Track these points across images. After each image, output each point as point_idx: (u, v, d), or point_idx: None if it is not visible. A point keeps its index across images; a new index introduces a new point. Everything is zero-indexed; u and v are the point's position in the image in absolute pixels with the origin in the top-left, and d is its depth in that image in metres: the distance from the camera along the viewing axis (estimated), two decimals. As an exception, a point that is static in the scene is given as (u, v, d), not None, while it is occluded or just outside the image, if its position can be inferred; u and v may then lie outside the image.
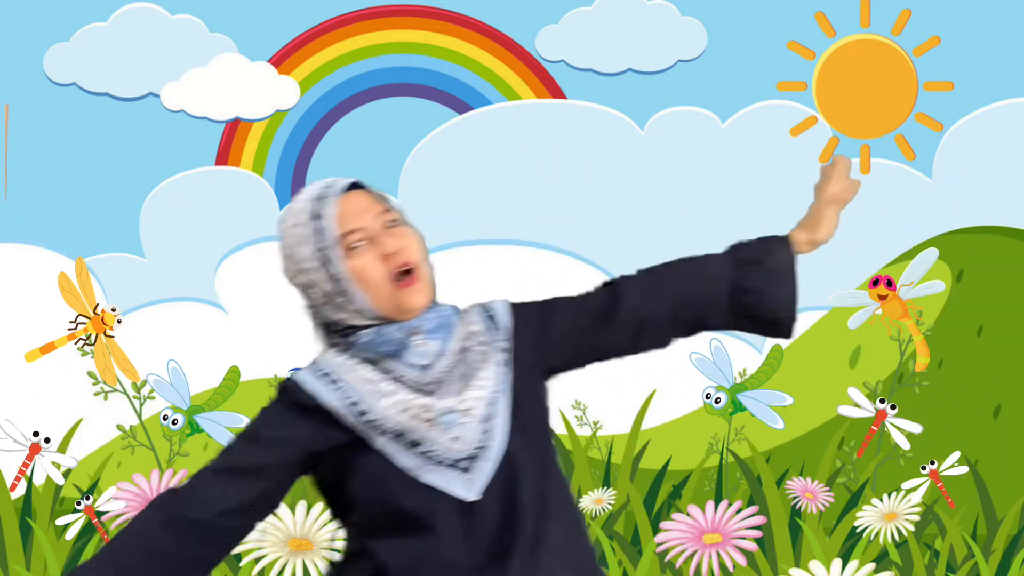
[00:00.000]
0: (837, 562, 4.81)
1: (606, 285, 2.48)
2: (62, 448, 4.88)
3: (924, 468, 4.89)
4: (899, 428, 4.89)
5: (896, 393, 4.90)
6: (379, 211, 2.34)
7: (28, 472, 4.87)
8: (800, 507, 4.86)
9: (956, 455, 4.88)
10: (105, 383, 4.89)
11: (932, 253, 4.88)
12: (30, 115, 4.88)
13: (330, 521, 4.68)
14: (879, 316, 4.89)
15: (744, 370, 4.90)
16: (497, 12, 4.91)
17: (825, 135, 4.88)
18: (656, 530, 4.85)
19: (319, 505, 4.72)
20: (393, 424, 2.28)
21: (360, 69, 4.93)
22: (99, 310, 4.89)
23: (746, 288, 2.45)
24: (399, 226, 2.36)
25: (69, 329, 4.89)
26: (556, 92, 4.91)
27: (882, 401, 4.89)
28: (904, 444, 4.89)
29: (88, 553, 4.76)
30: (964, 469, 4.87)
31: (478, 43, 4.91)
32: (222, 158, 4.91)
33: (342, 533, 2.43)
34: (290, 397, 2.33)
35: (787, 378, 4.90)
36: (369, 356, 2.32)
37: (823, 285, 4.88)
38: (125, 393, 4.89)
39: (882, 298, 4.88)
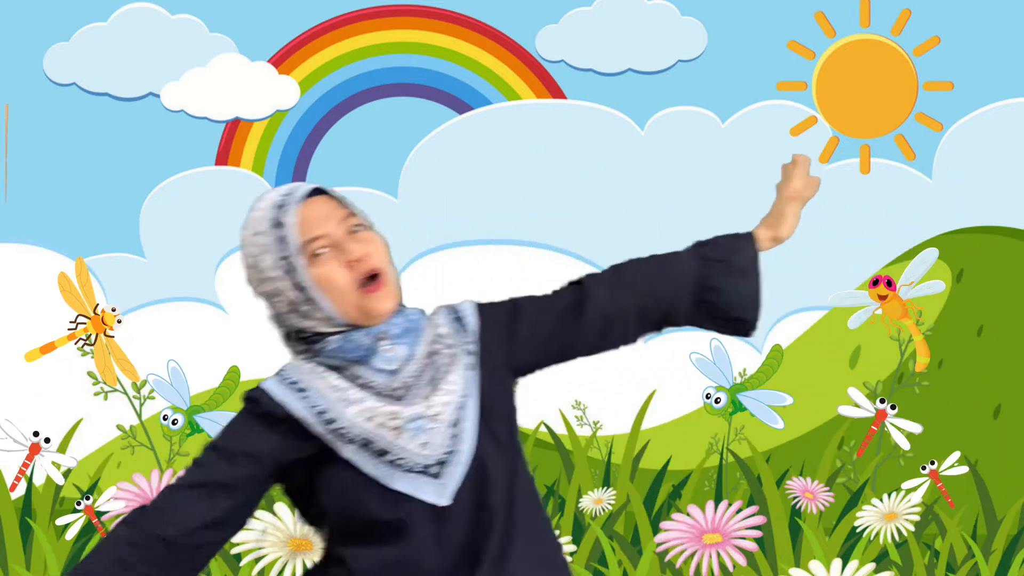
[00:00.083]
0: (837, 562, 4.81)
1: (573, 284, 2.47)
2: (62, 448, 4.88)
3: (924, 468, 4.89)
4: (899, 428, 4.89)
5: (896, 393, 4.90)
6: (342, 217, 2.33)
7: (28, 472, 4.87)
8: (800, 507, 4.86)
9: (956, 455, 4.88)
10: (105, 383, 4.89)
11: (932, 253, 4.88)
12: (30, 115, 4.88)
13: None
14: (879, 316, 4.89)
15: (744, 370, 4.90)
16: (497, 12, 4.91)
17: (825, 135, 4.88)
18: (656, 530, 4.85)
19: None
20: (360, 432, 2.26)
21: (360, 69, 4.93)
22: (99, 310, 4.89)
23: (710, 286, 2.45)
24: (363, 231, 2.34)
25: (69, 329, 4.89)
26: (556, 92, 4.91)
27: (882, 401, 4.89)
28: (904, 444, 4.89)
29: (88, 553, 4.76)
30: (964, 469, 4.88)
31: (478, 43, 4.91)
32: (222, 158, 4.91)
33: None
34: (258, 408, 2.31)
35: (787, 378, 4.90)
36: (336, 363, 2.31)
37: (823, 285, 4.88)
38: (125, 393, 4.89)
39: (882, 298, 4.88)
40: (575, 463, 4.89)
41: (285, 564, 4.76)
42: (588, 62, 4.90)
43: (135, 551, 2.28)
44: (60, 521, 4.85)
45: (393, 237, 5.28)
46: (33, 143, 4.88)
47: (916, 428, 4.89)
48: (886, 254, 4.90)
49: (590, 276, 2.47)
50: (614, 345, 2.48)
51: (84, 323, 4.88)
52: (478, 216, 4.89)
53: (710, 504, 4.85)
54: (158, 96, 4.89)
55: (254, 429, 2.31)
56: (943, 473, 4.88)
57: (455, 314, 2.40)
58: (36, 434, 4.88)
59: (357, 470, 2.27)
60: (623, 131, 4.90)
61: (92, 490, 4.86)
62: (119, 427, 4.89)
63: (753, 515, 4.83)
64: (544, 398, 4.87)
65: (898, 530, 4.85)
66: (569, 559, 4.82)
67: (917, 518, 4.85)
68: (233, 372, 4.84)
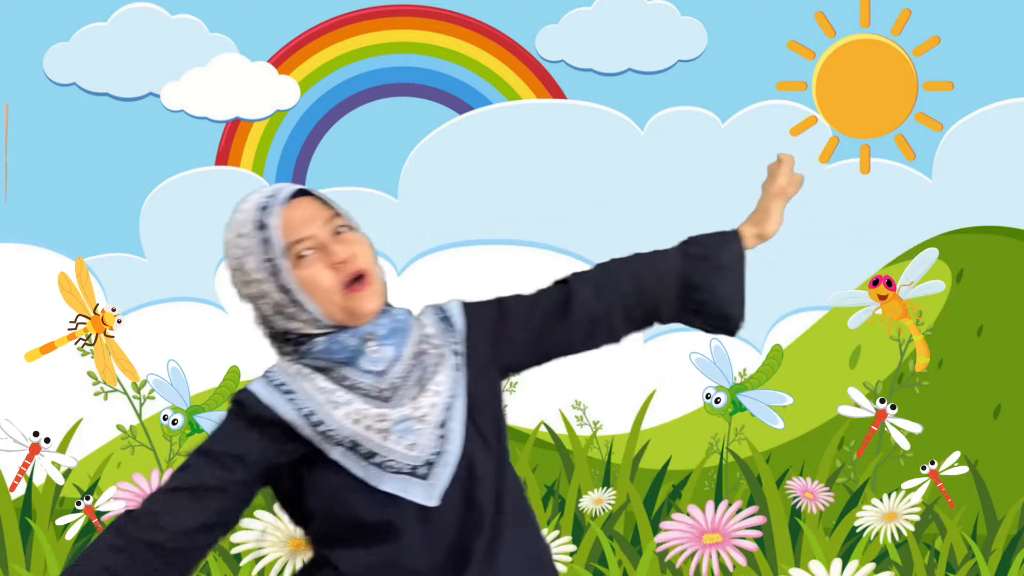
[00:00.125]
0: (837, 562, 4.81)
1: (559, 282, 2.48)
2: (62, 448, 4.88)
3: (924, 468, 4.89)
4: (899, 428, 4.89)
5: (896, 393, 4.90)
6: (327, 218, 2.31)
7: (28, 472, 4.87)
8: (800, 507, 4.86)
9: (956, 455, 4.88)
10: (105, 383, 4.89)
11: (932, 253, 4.88)
12: (30, 115, 4.88)
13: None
14: (879, 316, 4.89)
15: (744, 370, 4.90)
16: (497, 12, 4.91)
17: (825, 135, 4.88)
18: (656, 530, 4.85)
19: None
20: (347, 434, 2.26)
21: (360, 69, 4.93)
22: (99, 310, 4.89)
23: (695, 284, 2.46)
24: (348, 232, 2.32)
25: (69, 329, 4.89)
26: (556, 92, 4.91)
27: (882, 401, 4.89)
28: (904, 444, 4.89)
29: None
30: (964, 469, 4.87)
31: (478, 43, 4.91)
32: (222, 158, 4.91)
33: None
34: (246, 411, 2.30)
35: (787, 378, 4.90)
36: (323, 364, 2.30)
37: (823, 285, 4.88)
38: (125, 393, 4.89)
39: (882, 298, 4.88)
40: (575, 463, 4.89)
41: (285, 564, 4.76)
42: (588, 62, 4.90)
43: (121, 557, 2.27)
44: (60, 521, 4.85)
45: (393, 237, 5.27)
46: (33, 143, 4.88)
47: (916, 428, 4.89)
48: (886, 254, 4.90)
49: (576, 275, 2.48)
50: (600, 343, 2.48)
51: (84, 323, 4.88)
52: (478, 216, 4.89)
53: (710, 504, 4.85)
54: (158, 96, 4.89)
55: (241, 432, 2.30)
56: (943, 473, 4.88)
57: (442, 314, 2.40)
58: (36, 434, 4.88)
59: (345, 472, 2.27)
60: (623, 131, 4.90)
61: (92, 490, 4.86)
62: (119, 427, 4.88)
63: (753, 515, 4.83)
64: (544, 398, 4.87)
65: (898, 530, 4.85)
66: (569, 559, 4.82)
67: (917, 518, 4.85)
68: (233, 372, 4.84)
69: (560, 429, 4.89)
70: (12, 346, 4.88)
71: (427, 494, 2.27)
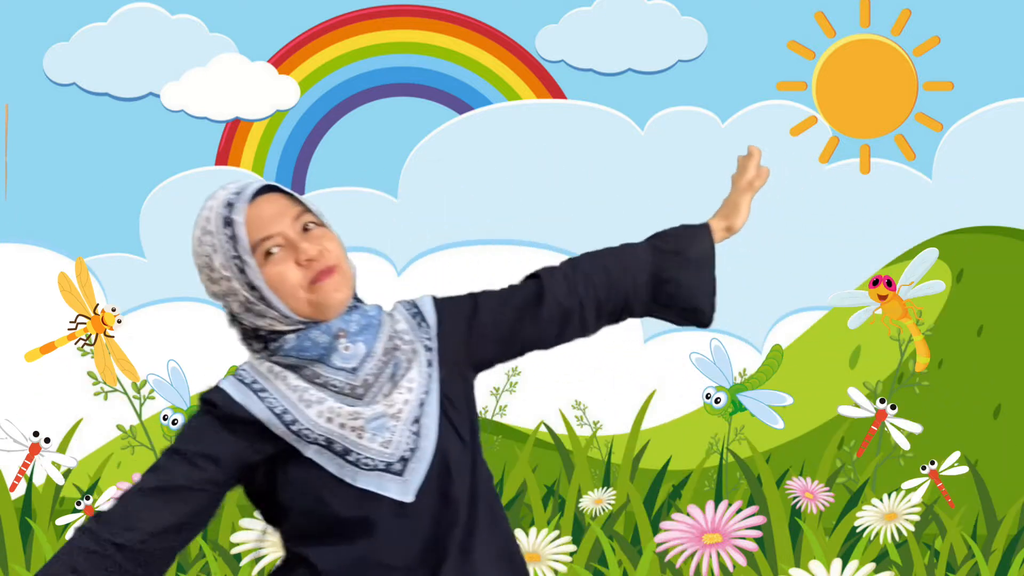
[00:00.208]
0: (837, 562, 4.81)
1: (530, 277, 2.49)
2: (62, 448, 4.88)
3: (924, 468, 4.89)
4: (899, 428, 4.89)
5: (896, 393, 4.90)
6: (295, 214, 2.29)
7: (28, 472, 4.87)
8: (800, 507, 4.86)
9: (956, 455, 4.88)
10: (105, 383, 4.89)
11: (932, 253, 4.88)
12: (30, 115, 4.88)
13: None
14: (879, 316, 4.89)
15: (744, 370, 4.90)
16: (497, 12, 4.91)
17: (825, 135, 4.88)
18: (656, 530, 4.84)
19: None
20: (322, 432, 2.25)
21: (360, 69, 4.93)
22: (99, 310, 4.89)
23: (666, 278, 2.48)
24: (316, 228, 2.30)
25: (69, 329, 4.89)
26: (556, 92, 4.91)
27: (882, 401, 4.89)
28: (904, 444, 4.89)
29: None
30: (964, 469, 4.87)
31: (478, 43, 4.91)
32: (222, 158, 4.91)
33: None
34: (218, 410, 2.29)
35: (787, 378, 4.90)
36: (294, 362, 2.29)
37: (823, 285, 4.88)
38: (125, 393, 4.89)
39: (882, 298, 4.88)
40: (575, 463, 4.89)
41: (285, 564, 4.75)
42: (588, 62, 4.90)
43: (92, 558, 2.25)
44: (60, 521, 4.85)
45: (393, 237, 5.27)
46: (33, 143, 4.88)
47: (916, 428, 4.89)
48: (886, 254, 4.90)
49: (546, 269, 2.49)
50: (572, 337, 2.48)
51: (84, 323, 4.88)
52: (478, 216, 4.89)
53: (710, 504, 4.85)
54: (158, 96, 4.89)
55: (214, 431, 2.28)
56: (943, 473, 4.88)
57: (414, 309, 2.39)
58: (36, 434, 4.88)
59: (320, 469, 2.26)
60: (623, 131, 4.90)
61: (92, 490, 4.86)
62: (119, 427, 4.88)
63: (753, 515, 4.83)
64: (544, 398, 4.87)
65: (898, 530, 4.85)
66: (569, 559, 4.82)
67: (917, 518, 4.85)
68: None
69: (560, 429, 4.89)
70: (12, 346, 4.88)
71: (403, 490, 2.27)
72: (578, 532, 4.86)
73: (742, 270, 4.76)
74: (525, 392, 4.83)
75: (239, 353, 2.43)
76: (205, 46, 4.90)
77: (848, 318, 4.89)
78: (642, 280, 2.47)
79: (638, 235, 2.60)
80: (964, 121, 4.88)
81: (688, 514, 4.85)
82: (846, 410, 4.89)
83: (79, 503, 4.85)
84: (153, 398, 4.88)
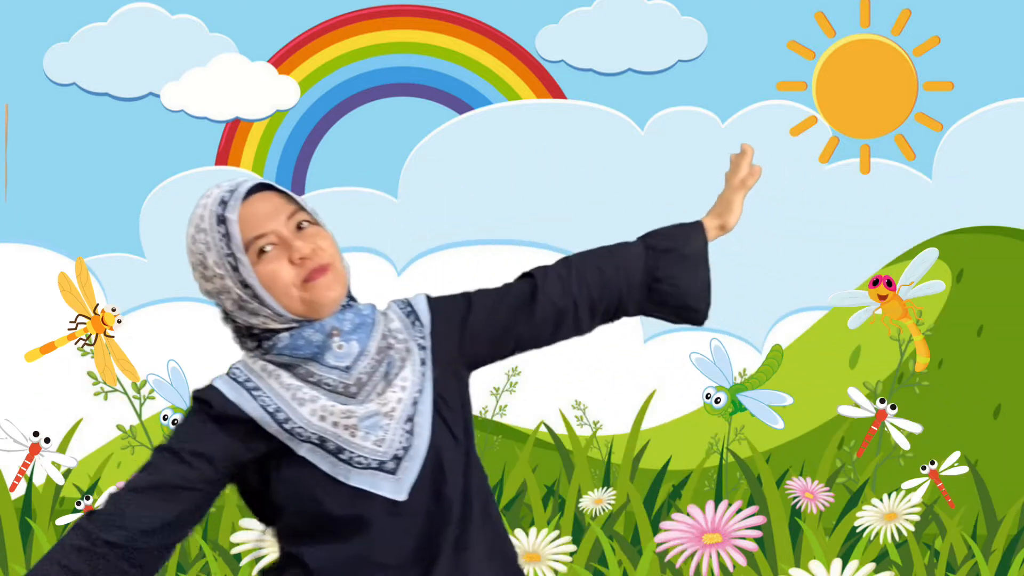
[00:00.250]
0: (837, 562, 4.81)
1: (524, 276, 2.49)
2: (62, 448, 4.88)
3: (924, 468, 4.89)
4: (899, 428, 4.89)
5: (896, 393, 4.90)
6: (289, 213, 2.29)
7: (28, 472, 4.87)
8: (800, 507, 4.86)
9: (956, 455, 4.88)
10: (105, 383, 4.89)
11: (932, 253, 4.88)
12: (30, 115, 4.88)
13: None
14: (879, 316, 4.89)
15: (744, 370, 4.90)
16: (497, 12, 4.91)
17: (825, 135, 4.88)
18: (656, 530, 4.84)
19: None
20: (315, 431, 2.25)
21: (360, 69, 4.93)
22: (99, 310, 4.89)
23: (660, 276, 2.48)
24: (310, 227, 2.30)
25: (69, 329, 4.89)
26: (556, 92, 4.91)
27: (882, 401, 4.89)
28: (904, 444, 4.89)
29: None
30: (964, 469, 4.87)
31: (478, 43, 4.91)
32: (222, 158, 4.91)
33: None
34: (212, 409, 2.29)
35: (787, 378, 4.90)
36: (287, 360, 2.29)
37: (823, 285, 4.88)
38: (125, 393, 4.89)
39: (882, 298, 4.88)
40: (575, 463, 4.89)
41: (285, 564, 4.75)
42: (588, 62, 4.90)
43: (84, 557, 2.25)
44: (60, 521, 4.85)
45: (393, 237, 5.27)
46: (33, 143, 4.88)
47: (916, 428, 4.89)
48: (886, 254, 4.90)
49: (540, 268, 2.49)
50: (566, 336, 2.49)
51: (84, 323, 4.88)
52: (478, 216, 4.89)
53: (710, 504, 4.85)
54: (158, 96, 4.89)
55: (207, 429, 2.29)
56: (943, 473, 4.88)
57: (408, 308, 2.40)
58: (36, 434, 4.88)
59: (313, 467, 2.26)
60: (623, 131, 4.90)
61: (92, 490, 4.86)
62: (119, 427, 4.88)
63: (753, 515, 4.83)
64: (544, 398, 4.87)
65: (898, 530, 4.85)
66: (569, 559, 4.82)
67: (917, 518, 4.85)
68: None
69: (560, 429, 4.89)
70: (12, 346, 4.88)
71: (396, 489, 2.27)
72: (578, 532, 4.86)
73: (742, 270, 4.77)
74: (525, 392, 4.83)
75: (238, 353, 2.43)
76: (205, 46, 4.90)
77: (848, 318, 4.89)
78: (636, 279, 2.48)
79: (638, 235, 2.60)
80: (964, 121, 4.88)
81: (688, 514, 4.85)
82: (846, 410, 4.89)
83: (79, 503, 4.85)
84: (153, 398, 4.89)
